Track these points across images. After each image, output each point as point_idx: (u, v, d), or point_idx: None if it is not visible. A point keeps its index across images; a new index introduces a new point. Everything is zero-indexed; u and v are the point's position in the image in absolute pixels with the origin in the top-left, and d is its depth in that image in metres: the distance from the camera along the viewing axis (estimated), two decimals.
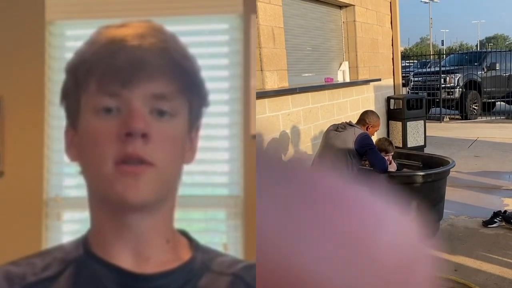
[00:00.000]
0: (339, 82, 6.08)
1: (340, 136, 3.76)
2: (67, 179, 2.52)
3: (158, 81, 1.05)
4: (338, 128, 3.85)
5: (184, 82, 1.10)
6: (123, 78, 1.03)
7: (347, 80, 6.22)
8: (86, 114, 1.07)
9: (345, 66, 6.27)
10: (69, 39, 2.20)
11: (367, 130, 3.91)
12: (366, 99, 6.66)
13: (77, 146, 1.10)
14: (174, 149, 1.08)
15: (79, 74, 1.07)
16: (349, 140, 3.70)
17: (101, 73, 1.04)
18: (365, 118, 3.97)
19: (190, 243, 1.20)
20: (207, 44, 2.18)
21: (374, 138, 4.04)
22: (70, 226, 2.53)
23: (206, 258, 1.16)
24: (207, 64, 2.41)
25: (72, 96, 1.11)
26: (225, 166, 2.52)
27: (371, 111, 4.08)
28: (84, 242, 1.15)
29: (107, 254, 1.11)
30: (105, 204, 1.09)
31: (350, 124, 3.86)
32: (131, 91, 1.04)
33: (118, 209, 1.08)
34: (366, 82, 6.63)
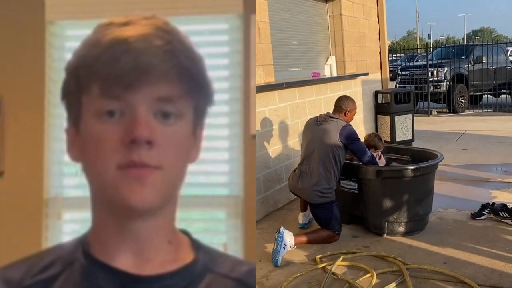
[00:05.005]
0: (326, 76, 6.06)
1: (324, 129, 3.73)
2: (67, 179, 2.52)
3: (162, 84, 1.03)
4: (318, 121, 3.82)
5: (189, 84, 1.08)
6: (127, 81, 1.00)
7: (334, 74, 6.21)
8: (88, 117, 1.05)
9: (332, 60, 6.25)
10: (69, 39, 2.20)
11: (345, 116, 3.88)
12: (354, 94, 6.65)
13: (79, 147, 1.09)
14: (179, 151, 1.07)
15: (81, 77, 1.05)
16: (333, 133, 3.68)
17: (105, 77, 1.01)
18: (340, 104, 3.93)
19: (192, 243, 1.18)
20: (207, 44, 2.18)
21: (353, 123, 4.01)
22: (70, 226, 2.53)
23: (208, 259, 1.14)
24: (207, 64, 2.46)
25: (73, 97, 1.09)
26: (225, 166, 2.53)
27: (345, 96, 4.03)
28: (83, 243, 1.11)
29: (107, 256, 1.10)
30: (109, 207, 1.08)
31: (330, 116, 3.82)
32: (134, 94, 1.02)
33: (122, 213, 1.06)
34: (354, 76, 6.62)
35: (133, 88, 1.00)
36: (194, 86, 1.07)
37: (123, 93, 1.00)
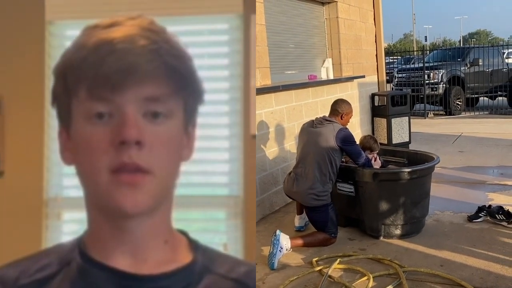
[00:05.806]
0: (322, 79, 6.06)
1: (320, 132, 3.73)
2: (67, 179, 2.52)
3: (150, 84, 1.02)
4: (314, 124, 3.82)
5: (177, 83, 1.08)
6: (113, 83, 1.00)
7: (331, 77, 6.21)
8: (78, 120, 1.05)
9: (328, 63, 6.25)
10: (69, 39, 2.17)
11: (341, 119, 3.89)
12: (350, 96, 6.65)
13: (71, 150, 1.09)
14: (171, 151, 1.07)
15: (68, 80, 1.05)
16: (330, 136, 3.68)
17: (91, 79, 1.01)
18: (337, 108, 3.93)
19: (190, 243, 1.18)
20: (207, 44, 2.19)
21: (350, 125, 4.01)
22: (70, 226, 2.53)
23: (207, 259, 1.15)
24: (207, 64, 2.40)
25: (62, 100, 1.08)
26: (225, 166, 2.53)
27: (341, 100, 4.03)
28: (79, 244, 1.12)
29: (103, 257, 1.11)
30: (102, 209, 1.07)
31: (326, 119, 3.82)
32: (122, 95, 1.01)
33: (116, 216, 1.06)
34: (350, 79, 6.63)
35: (120, 89, 0.99)
36: (182, 85, 1.07)
37: (111, 94, 1.00)
